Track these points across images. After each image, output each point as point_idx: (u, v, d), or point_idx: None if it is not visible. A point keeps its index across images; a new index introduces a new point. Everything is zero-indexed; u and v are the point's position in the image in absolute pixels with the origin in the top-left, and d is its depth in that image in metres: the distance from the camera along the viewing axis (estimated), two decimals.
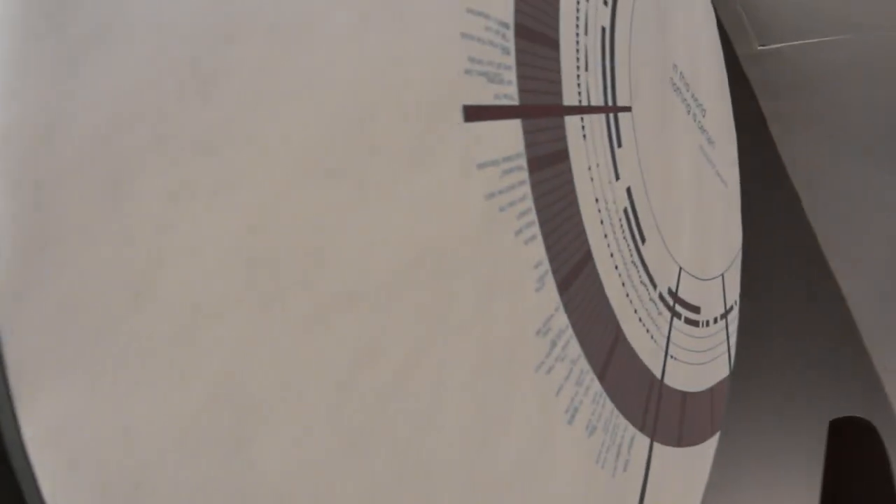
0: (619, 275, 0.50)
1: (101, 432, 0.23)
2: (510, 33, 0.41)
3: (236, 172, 0.27)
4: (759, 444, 0.78)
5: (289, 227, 0.29)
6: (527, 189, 0.42)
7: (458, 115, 0.37)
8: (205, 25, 0.26)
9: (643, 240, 0.54)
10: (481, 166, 0.39)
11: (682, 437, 0.59)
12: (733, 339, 0.69)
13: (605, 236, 0.49)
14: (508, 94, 0.41)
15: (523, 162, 0.42)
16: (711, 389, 0.65)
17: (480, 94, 0.39)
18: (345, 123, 0.31)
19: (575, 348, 0.45)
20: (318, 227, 0.30)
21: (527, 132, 0.42)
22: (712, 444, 0.64)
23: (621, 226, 0.51)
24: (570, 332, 0.45)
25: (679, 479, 0.58)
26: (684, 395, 0.60)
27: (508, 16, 0.41)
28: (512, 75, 0.41)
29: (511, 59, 0.41)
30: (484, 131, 0.39)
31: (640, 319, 0.53)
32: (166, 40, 0.25)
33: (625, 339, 0.51)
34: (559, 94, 0.45)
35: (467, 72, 0.38)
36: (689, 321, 0.61)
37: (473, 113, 0.38)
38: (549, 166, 0.44)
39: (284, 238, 0.29)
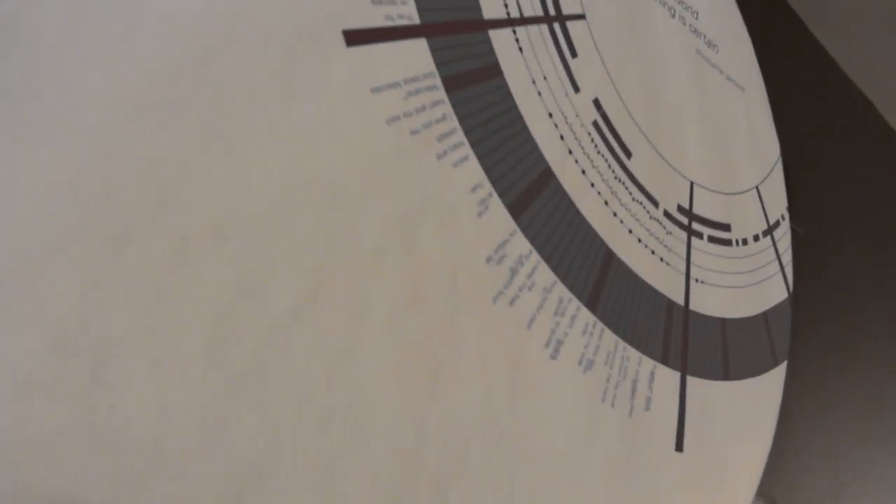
0: (599, 193, 0.46)
1: None
2: None
3: (54, 119, 0.27)
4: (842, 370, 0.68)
5: (122, 168, 0.28)
6: (446, 109, 0.39)
7: (338, 41, 0.35)
8: None
9: (628, 154, 0.49)
10: (376, 90, 0.36)
11: (730, 368, 0.52)
12: (787, 258, 0.61)
13: (570, 152, 0.44)
14: (405, 14, 0.38)
15: (436, 81, 0.38)
16: (765, 315, 0.57)
17: (365, 17, 0.37)
18: (182, 60, 0.30)
19: (546, 275, 0.41)
20: (157, 165, 0.28)
21: (437, 50, 0.39)
22: (776, 375, 0.56)
23: (592, 140, 0.46)
24: (535, 257, 0.40)
25: (733, 417, 0.51)
26: (723, 322, 0.53)
27: None
28: None
29: None
30: (377, 55, 0.37)
31: (639, 240, 0.48)
32: None
33: (620, 263, 0.46)
34: (476, 8, 0.42)
35: None
36: (715, 240, 0.54)
37: (357, 37, 0.36)
38: (475, 83, 0.40)
39: (118, 178, 0.27)
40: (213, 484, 0.28)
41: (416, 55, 0.38)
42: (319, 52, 0.34)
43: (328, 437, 0.31)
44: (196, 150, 0.29)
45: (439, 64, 0.39)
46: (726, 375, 0.52)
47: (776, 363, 0.57)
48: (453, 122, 0.39)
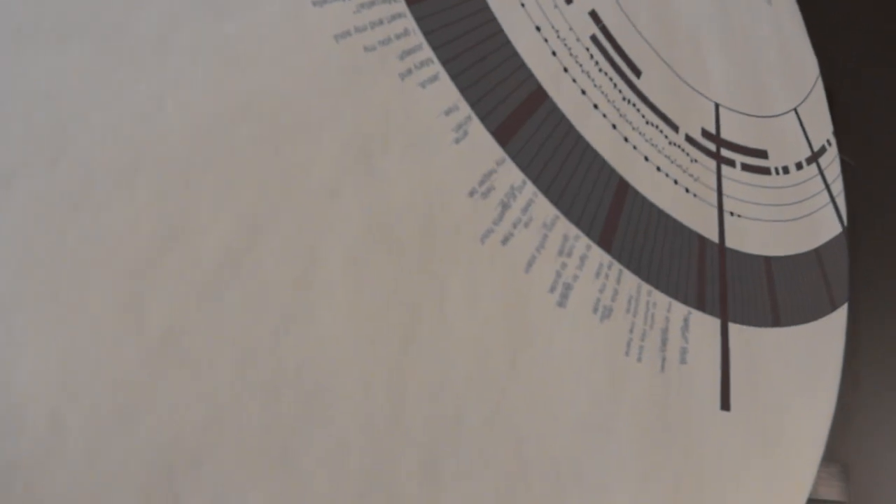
0: (604, 115, 0.39)
1: None
2: None
3: None
4: None
5: (4, 100, 0.23)
6: (408, 23, 0.33)
7: None
8: None
9: (637, 72, 0.42)
10: (319, 3, 0.30)
11: (780, 313, 0.45)
12: (837, 187, 0.53)
13: (566, 70, 0.38)
14: None
15: None
16: (817, 252, 0.50)
17: None
18: None
19: (545, 209, 0.35)
20: (49, 96, 0.23)
21: None
22: (836, 320, 0.49)
23: (591, 56, 0.40)
24: (529, 188, 0.34)
25: (788, 369, 0.44)
26: (767, 260, 0.46)
27: None
28: None
29: None
30: None
31: (658, 169, 0.41)
32: None
33: (637, 195, 0.39)
34: None
35: None
36: (751, 168, 0.47)
37: None
38: None
39: (1, 112, 0.23)
40: (132, 468, 0.23)
41: None
42: None
43: (278, 407, 0.26)
44: (96, 78, 0.24)
45: None
46: (776, 321, 0.44)
47: (834, 306, 0.49)
48: (418, 38, 0.33)
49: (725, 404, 0.40)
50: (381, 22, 0.32)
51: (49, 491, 0.22)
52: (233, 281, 0.26)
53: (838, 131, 0.62)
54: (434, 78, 0.33)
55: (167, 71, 0.26)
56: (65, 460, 0.22)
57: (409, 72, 0.32)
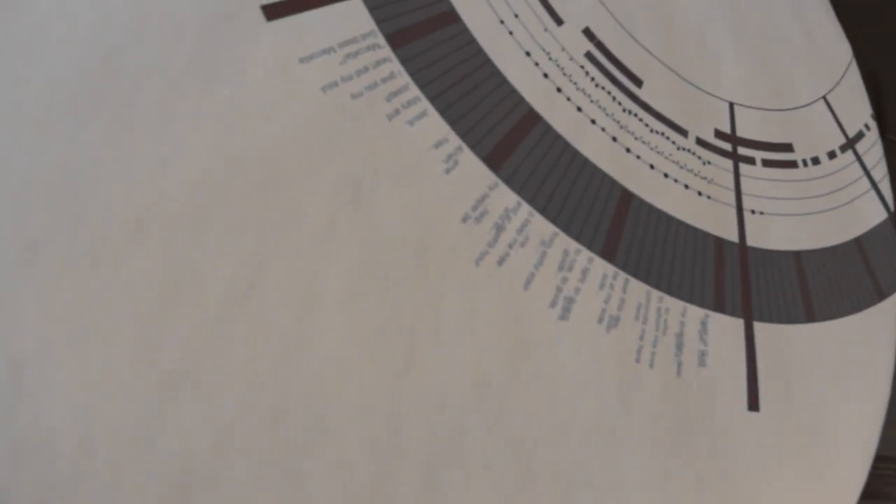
0: (603, 129, 0.40)
1: None
2: None
3: None
4: None
5: (29, 182, 0.27)
6: (394, 66, 0.35)
7: (258, 17, 0.33)
8: None
9: (637, 82, 0.43)
10: (306, 59, 0.34)
11: (814, 308, 0.44)
12: (880, 172, 0.51)
13: (559, 90, 0.40)
14: None
15: (378, 40, 0.36)
16: (858, 241, 0.48)
17: None
18: (85, 64, 0.29)
19: (542, 227, 0.36)
20: (67, 173, 0.28)
21: (375, 9, 0.36)
22: (885, 311, 0.47)
23: (587, 73, 0.41)
24: (525, 209, 0.36)
25: (828, 365, 0.43)
26: (797, 255, 0.45)
27: None
28: None
29: None
30: (304, 24, 0.34)
31: (666, 175, 0.41)
32: None
33: (643, 203, 0.40)
34: None
35: None
36: (773, 163, 0.47)
37: (278, 10, 0.34)
38: (426, 34, 0.37)
39: (26, 193, 0.27)
40: (153, 486, 0.26)
41: (351, 17, 0.35)
42: (238, 31, 0.33)
43: (285, 430, 0.28)
44: (108, 152, 0.28)
45: (380, 21, 0.36)
46: (810, 317, 0.43)
47: (882, 296, 0.47)
48: (404, 79, 0.35)
49: (754, 405, 0.39)
50: (366, 69, 0.35)
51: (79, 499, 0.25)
52: (238, 318, 0.29)
53: (888, 114, 0.59)
54: (422, 115, 0.35)
55: (170, 136, 0.30)
56: (93, 481, 0.25)
57: (397, 112, 0.35)
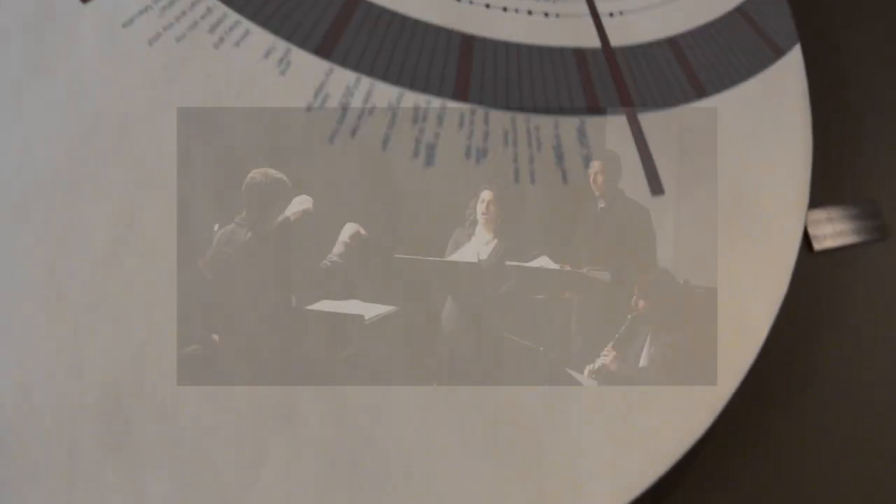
0: None
1: None
2: None
3: None
4: None
5: None
6: (208, 3, 0.39)
7: (73, 3, 0.38)
8: None
9: None
10: (128, 23, 0.38)
11: (703, 84, 0.44)
12: None
13: None
14: None
15: None
16: (739, 8, 0.47)
17: None
18: None
19: (386, 92, 0.39)
20: None
21: None
22: (787, 68, 0.46)
23: None
24: (367, 81, 0.39)
25: (731, 129, 0.43)
26: (672, 41, 0.45)
27: None
28: None
29: None
30: None
31: (504, 9, 0.43)
32: None
33: (487, 42, 0.42)
34: None
35: None
36: None
37: None
38: None
39: None
40: (89, 402, 0.31)
41: None
42: (59, 20, 0.37)
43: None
44: None
45: None
46: (700, 93, 0.44)
47: (780, 53, 0.47)
48: (221, 9, 0.39)
49: (657, 189, 0.41)
50: (184, 13, 0.39)
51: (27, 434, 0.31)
52: (125, 248, 0.34)
53: None
54: (246, 34, 0.39)
55: (24, 126, 0.35)
56: (36, 414, 0.31)
57: (222, 39, 0.38)
